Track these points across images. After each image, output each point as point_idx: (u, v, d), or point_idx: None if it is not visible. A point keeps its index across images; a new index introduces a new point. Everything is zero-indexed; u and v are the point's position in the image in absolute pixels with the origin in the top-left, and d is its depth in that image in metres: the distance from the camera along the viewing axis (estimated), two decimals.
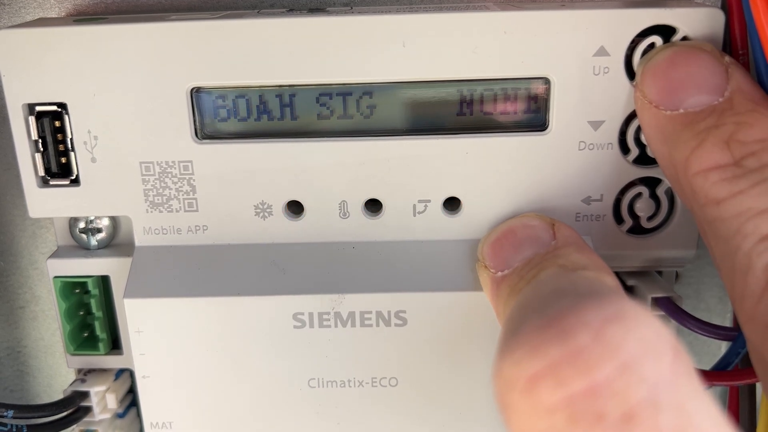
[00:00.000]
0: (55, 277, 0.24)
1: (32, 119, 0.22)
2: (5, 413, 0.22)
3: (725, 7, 0.21)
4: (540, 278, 0.19)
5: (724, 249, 0.17)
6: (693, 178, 0.18)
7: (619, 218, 0.23)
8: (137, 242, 0.24)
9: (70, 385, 0.25)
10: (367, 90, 0.22)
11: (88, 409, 0.25)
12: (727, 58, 0.20)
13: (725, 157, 0.18)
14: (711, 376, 0.23)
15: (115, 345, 0.26)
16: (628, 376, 0.13)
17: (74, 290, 0.25)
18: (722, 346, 0.30)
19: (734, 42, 0.20)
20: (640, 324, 0.13)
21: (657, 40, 0.21)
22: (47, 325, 0.30)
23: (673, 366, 0.13)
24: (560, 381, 0.13)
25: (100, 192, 0.23)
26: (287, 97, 0.22)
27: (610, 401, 0.12)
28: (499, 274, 0.20)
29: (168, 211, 0.23)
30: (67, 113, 0.22)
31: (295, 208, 0.23)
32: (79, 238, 0.25)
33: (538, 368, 0.13)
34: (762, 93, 0.19)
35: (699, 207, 0.18)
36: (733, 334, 0.22)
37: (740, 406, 0.25)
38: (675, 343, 0.14)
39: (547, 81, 0.22)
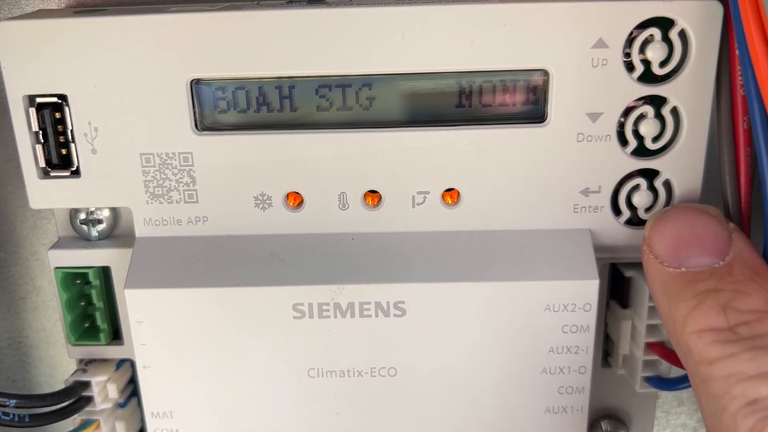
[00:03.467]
0: (56, 267, 0.24)
1: (33, 111, 0.22)
2: (7, 403, 0.23)
3: (724, 0, 0.21)
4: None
5: (713, 407, 0.19)
6: (689, 336, 0.19)
7: (617, 210, 0.23)
8: (138, 233, 0.24)
9: (72, 375, 0.25)
10: (367, 82, 0.22)
11: (89, 399, 0.25)
12: (731, 225, 0.21)
13: (721, 322, 0.19)
14: None
15: (116, 335, 0.26)
16: None
17: (75, 281, 0.25)
18: None
19: (731, 35, 0.21)
20: None
21: (655, 32, 0.21)
22: (48, 315, 0.30)
23: None
24: None
25: (101, 183, 0.23)
26: (287, 88, 0.22)
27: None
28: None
29: (168, 203, 0.23)
30: (67, 105, 0.22)
31: (294, 199, 0.24)
32: (79, 229, 0.25)
33: None
34: (761, 262, 0.20)
35: (693, 364, 0.19)
36: None
37: None
38: None
39: (545, 73, 0.22)
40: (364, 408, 0.24)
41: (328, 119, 0.23)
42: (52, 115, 0.23)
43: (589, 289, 0.22)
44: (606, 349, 0.26)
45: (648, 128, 0.22)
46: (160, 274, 0.23)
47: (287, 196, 0.23)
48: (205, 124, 0.23)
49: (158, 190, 0.23)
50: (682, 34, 0.21)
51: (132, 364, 0.26)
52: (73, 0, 0.25)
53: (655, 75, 0.22)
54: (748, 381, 0.18)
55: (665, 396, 0.31)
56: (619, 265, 0.25)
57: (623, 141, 0.22)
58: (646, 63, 0.22)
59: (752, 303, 0.19)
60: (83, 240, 0.25)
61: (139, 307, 0.23)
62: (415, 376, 0.23)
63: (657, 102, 0.22)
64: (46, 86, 0.22)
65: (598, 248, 0.23)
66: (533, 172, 0.23)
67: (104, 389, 0.25)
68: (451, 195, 0.23)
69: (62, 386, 0.25)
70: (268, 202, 0.23)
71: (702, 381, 0.19)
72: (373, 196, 0.23)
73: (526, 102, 0.22)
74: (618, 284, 0.25)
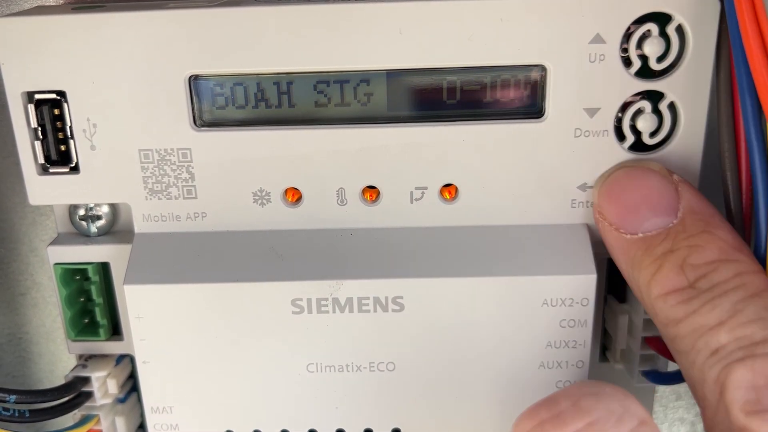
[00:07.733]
0: (56, 263, 0.24)
1: (31, 107, 0.22)
2: (7, 398, 0.23)
3: None
4: None
5: (685, 363, 0.19)
6: (654, 301, 0.20)
7: None
8: (137, 229, 0.24)
9: (72, 370, 0.25)
10: (364, 77, 0.22)
11: (89, 395, 0.25)
12: (675, 177, 0.21)
13: (681, 281, 0.19)
14: None
15: (115, 331, 0.26)
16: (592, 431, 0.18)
17: (75, 277, 0.25)
18: None
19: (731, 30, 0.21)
20: (612, 399, 0.18)
21: (653, 27, 0.21)
22: (48, 311, 0.30)
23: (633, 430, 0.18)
24: None
25: (100, 179, 0.23)
26: (285, 84, 0.22)
27: None
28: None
29: (167, 199, 0.23)
30: (66, 101, 0.22)
31: (293, 195, 0.24)
32: (79, 225, 0.25)
33: (530, 426, 0.18)
34: (711, 209, 0.21)
35: (662, 326, 0.20)
36: None
37: None
38: (644, 416, 0.18)
39: (543, 68, 0.22)
40: (363, 403, 0.24)
41: (327, 115, 0.23)
42: (50, 112, 0.23)
43: (586, 284, 0.23)
44: (604, 343, 0.26)
45: (645, 123, 0.22)
46: (160, 269, 0.23)
47: (286, 191, 0.23)
48: (203, 120, 0.23)
49: (157, 186, 0.23)
50: (680, 30, 0.21)
51: (132, 359, 0.26)
52: None
53: (652, 70, 0.22)
54: (709, 332, 0.18)
55: (663, 390, 0.31)
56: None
57: (621, 136, 0.23)
58: (644, 58, 0.22)
59: (707, 255, 0.19)
60: (82, 236, 0.25)
61: (139, 303, 0.23)
62: (414, 371, 0.24)
63: (654, 97, 0.22)
64: (45, 83, 0.22)
65: (596, 243, 0.23)
66: (531, 167, 0.23)
67: (104, 385, 0.25)
68: (449, 190, 0.23)
69: (62, 382, 0.25)
70: (266, 197, 0.23)
71: (671, 341, 0.20)
72: (371, 191, 0.23)
73: (524, 97, 0.22)
74: (615, 279, 0.25)
